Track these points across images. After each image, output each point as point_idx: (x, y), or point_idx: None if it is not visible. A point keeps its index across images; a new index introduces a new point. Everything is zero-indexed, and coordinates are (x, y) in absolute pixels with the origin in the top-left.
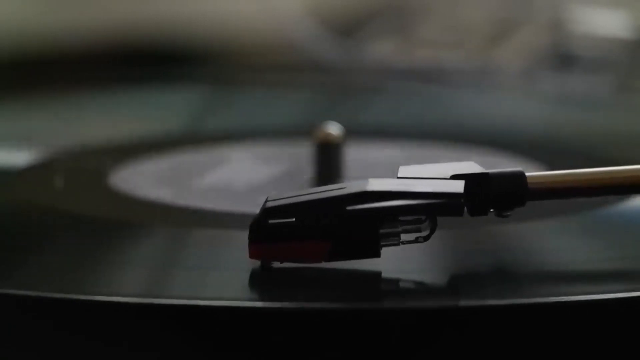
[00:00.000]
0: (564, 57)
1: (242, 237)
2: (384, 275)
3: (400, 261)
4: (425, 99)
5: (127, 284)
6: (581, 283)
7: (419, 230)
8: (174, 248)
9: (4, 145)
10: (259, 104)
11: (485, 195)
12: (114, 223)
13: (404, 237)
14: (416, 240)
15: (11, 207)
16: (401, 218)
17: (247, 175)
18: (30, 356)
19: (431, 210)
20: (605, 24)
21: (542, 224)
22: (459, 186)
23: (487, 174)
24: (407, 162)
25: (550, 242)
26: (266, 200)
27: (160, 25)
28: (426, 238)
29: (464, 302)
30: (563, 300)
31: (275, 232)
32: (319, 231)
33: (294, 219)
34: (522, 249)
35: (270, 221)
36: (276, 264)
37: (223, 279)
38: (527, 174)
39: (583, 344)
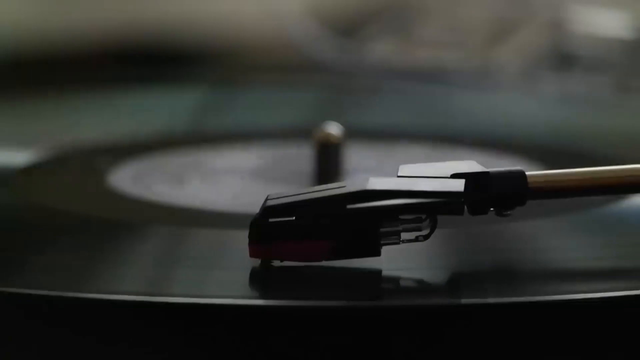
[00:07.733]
0: (564, 57)
1: (242, 237)
2: (384, 273)
3: (401, 260)
4: (425, 99)
5: (127, 282)
6: (581, 281)
7: (419, 229)
8: (174, 247)
9: (4, 145)
10: (259, 104)
11: (486, 194)
12: (114, 223)
13: (404, 235)
14: (416, 239)
15: (11, 207)
16: (401, 217)
17: (247, 175)
18: (31, 356)
19: (431, 209)
20: (605, 24)
21: (542, 223)
22: (459, 185)
23: (487, 173)
24: (407, 162)
25: (550, 241)
26: (266, 199)
27: (161, 26)
28: (426, 237)
29: (464, 301)
30: (563, 298)
31: (276, 231)
32: (319, 230)
33: (294, 218)
34: (522, 247)
35: (271, 220)
36: (276, 263)
37: (223, 278)
38: (527, 173)
39: (583, 342)
